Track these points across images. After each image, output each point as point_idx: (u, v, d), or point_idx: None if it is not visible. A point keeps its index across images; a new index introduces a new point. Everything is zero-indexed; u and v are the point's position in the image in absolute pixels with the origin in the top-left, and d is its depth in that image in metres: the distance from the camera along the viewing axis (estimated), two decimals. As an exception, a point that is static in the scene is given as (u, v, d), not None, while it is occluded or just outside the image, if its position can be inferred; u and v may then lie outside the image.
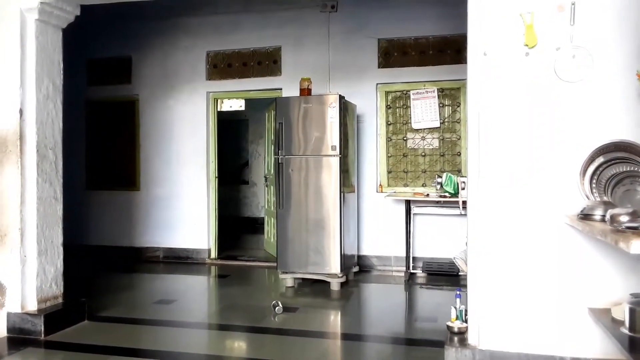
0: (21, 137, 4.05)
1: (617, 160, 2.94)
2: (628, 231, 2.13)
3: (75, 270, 5.40)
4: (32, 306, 4.09)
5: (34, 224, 4.09)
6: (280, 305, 4.68)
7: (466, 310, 3.43)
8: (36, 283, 4.10)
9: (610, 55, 3.03)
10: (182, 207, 7.27)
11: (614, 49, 3.03)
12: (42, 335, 4.00)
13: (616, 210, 2.32)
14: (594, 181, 3.01)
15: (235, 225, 10.33)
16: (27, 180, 4.08)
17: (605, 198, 2.91)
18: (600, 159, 3.00)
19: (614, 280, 3.02)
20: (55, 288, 4.29)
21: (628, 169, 2.87)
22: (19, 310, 4.05)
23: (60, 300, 4.32)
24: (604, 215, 2.53)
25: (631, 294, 2.72)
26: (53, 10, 4.18)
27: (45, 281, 4.18)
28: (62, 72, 4.38)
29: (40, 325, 4.01)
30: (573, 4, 3.06)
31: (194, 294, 5.87)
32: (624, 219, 2.22)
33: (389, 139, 6.64)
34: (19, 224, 4.03)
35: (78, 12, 4.41)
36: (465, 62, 3.34)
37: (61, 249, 4.35)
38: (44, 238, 4.17)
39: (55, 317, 4.13)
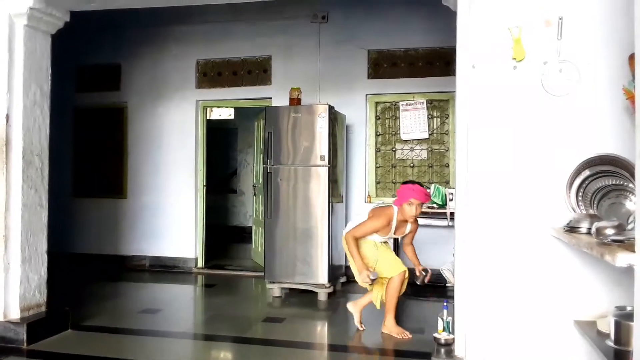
0: (7, 143, 4.00)
1: (603, 174, 2.96)
2: (614, 244, 2.14)
3: (60, 278, 5.33)
4: (15, 314, 4.03)
5: (18, 231, 4.03)
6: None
7: (453, 322, 3.43)
8: (19, 291, 4.03)
9: (597, 70, 3.07)
10: (169, 216, 7.22)
11: (601, 64, 3.06)
12: (25, 344, 3.93)
13: (602, 223, 2.33)
14: (580, 194, 3.03)
15: (223, 234, 10.26)
16: (12, 186, 4.02)
17: (591, 211, 2.92)
18: (587, 172, 3.02)
19: (599, 292, 3.03)
20: (39, 296, 4.22)
21: (614, 182, 2.90)
22: (1, 319, 3.98)
23: (43, 308, 4.25)
24: (589, 228, 2.54)
25: (616, 307, 2.73)
26: (42, 16, 4.15)
27: (29, 289, 4.12)
28: (50, 78, 4.34)
29: (22, 334, 3.94)
30: (560, 19, 3.10)
31: (180, 303, 5.81)
32: (610, 232, 2.23)
33: (377, 150, 6.66)
34: (2, 231, 3.97)
35: (68, 19, 4.39)
36: (454, 75, 3.37)
37: (45, 256, 4.29)
38: (28, 245, 4.11)
39: (38, 325, 4.06)
